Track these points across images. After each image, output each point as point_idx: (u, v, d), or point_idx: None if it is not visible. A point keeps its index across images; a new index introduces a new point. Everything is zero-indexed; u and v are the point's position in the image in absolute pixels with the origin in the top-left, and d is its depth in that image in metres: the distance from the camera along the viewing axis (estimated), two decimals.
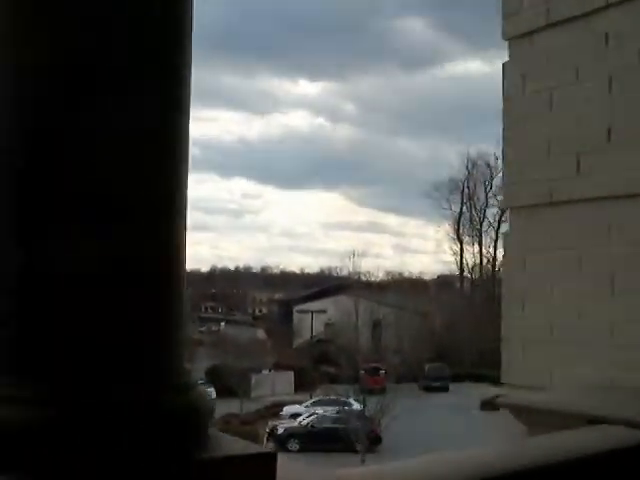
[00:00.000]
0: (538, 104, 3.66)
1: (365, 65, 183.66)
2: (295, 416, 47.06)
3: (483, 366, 77.91)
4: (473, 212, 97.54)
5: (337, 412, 42.78)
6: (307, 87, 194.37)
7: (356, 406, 44.66)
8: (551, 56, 3.61)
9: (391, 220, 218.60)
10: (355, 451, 38.18)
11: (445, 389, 67.41)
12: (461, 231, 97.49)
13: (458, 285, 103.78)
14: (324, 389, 58.71)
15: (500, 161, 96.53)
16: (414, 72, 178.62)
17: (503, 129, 3.90)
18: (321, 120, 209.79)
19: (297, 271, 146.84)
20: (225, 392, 56.80)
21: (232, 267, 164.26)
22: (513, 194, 3.74)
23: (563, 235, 3.46)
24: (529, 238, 3.62)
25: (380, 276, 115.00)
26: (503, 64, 3.81)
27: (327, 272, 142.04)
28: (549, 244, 3.51)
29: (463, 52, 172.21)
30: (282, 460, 2.29)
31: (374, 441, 38.42)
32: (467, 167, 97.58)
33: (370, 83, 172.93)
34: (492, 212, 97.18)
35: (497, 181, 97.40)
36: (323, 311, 73.02)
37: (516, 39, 3.71)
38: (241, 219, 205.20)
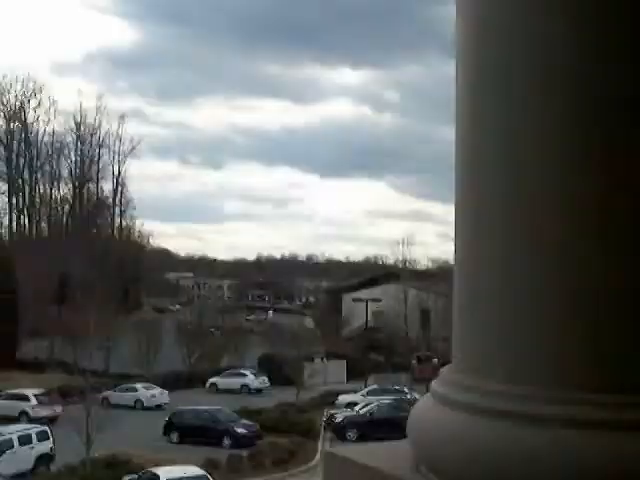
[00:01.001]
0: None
1: (408, 53, 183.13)
2: (350, 405, 47.31)
3: None
4: None
5: (395, 401, 42.78)
6: (350, 75, 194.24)
7: (411, 395, 44.73)
8: None
9: (435, 208, 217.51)
10: None
11: None
12: None
13: None
14: (376, 378, 58.85)
15: None
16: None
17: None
18: (365, 108, 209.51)
19: (342, 259, 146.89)
20: (279, 380, 57.26)
21: (278, 256, 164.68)
22: None
23: None
24: None
25: (426, 264, 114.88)
26: None
27: (373, 260, 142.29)
28: None
29: None
30: None
31: None
32: None
33: (413, 71, 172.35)
34: None
35: None
36: (378, 300, 72.84)
37: None
38: (285, 208, 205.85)
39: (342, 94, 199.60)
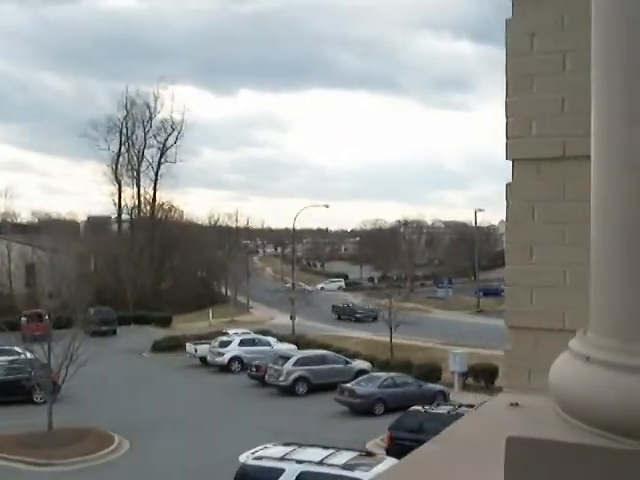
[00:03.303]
0: (549, 63, 3.88)
1: None
2: None
3: (145, 308, 78.77)
4: (132, 152, 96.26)
5: (10, 362, 40.95)
6: None
7: (24, 355, 43.07)
8: (562, 18, 3.82)
9: (35, 159, 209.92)
10: (34, 402, 37.12)
11: (113, 332, 67.06)
12: (119, 171, 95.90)
13: (115, 227, 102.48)
14: None
15: (159, 101, 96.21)
16: (60, 2, 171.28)
17: (506, 83, 3.99)
18: None
19: None
20: None
21: None
22: (520, 147, 3.94)
23: (574, 188, 3.68)
24: (538, 189, 3.87)
25: (27, 218, 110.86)
26: (507, 20, 4.00)
27: None
28: (559, 196, 3.78)
29: None
30: None
31: (53, 390, 37.52)
32: (126, 106, 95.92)
33: (9, 11, 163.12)
34: (151, 153, 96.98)
35: (157, 122, 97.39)
36: None
37: None
38: None
39: None
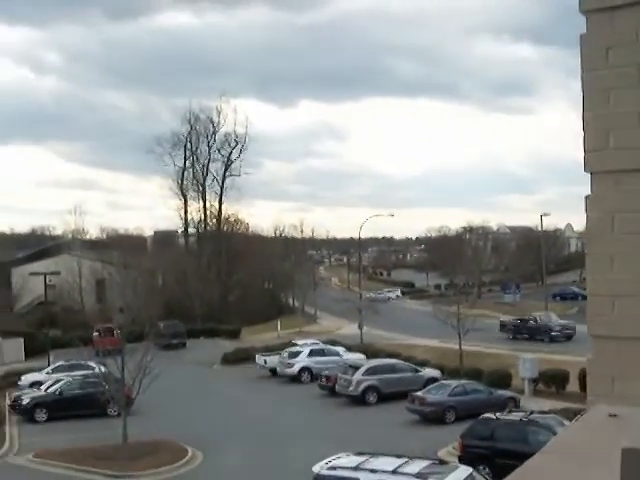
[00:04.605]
0: (625, 77, 3.94)
1: (69, 12, 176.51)
2: (36, 384, 45.45)
3: (213, 320, 79.56)
4: (196, 166, 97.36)
5: (83, 376, 41.75)
6: (6, 33, 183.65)
7: (98, 369, 43.77)
8: (637, 32, 3.92)
9: (102, 176, 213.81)
10: (108, 415, 37.77)
11: (183, 345, 67.85)
12: (184, 186, 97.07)
13: (182, 240, 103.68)
14: (57, 354, 57.07)
15: (222, 115, 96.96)
16: (121, 22, 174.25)
17: (583, 97, 4.06)
18: (25, 70, 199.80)
19: (7, 231, 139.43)
20: None
21: None
22: (598, 159, 4.02)
23: None
24: (617, 200, 3.94)
25: (96, 234, 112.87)
26: (581, 35, 4.08)
27: (40, 231, 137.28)
28: (639, 207, 3.88)
29: (170, 2, 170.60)
30: None
31: (126, 403, 38.12)
32: (189, 121, 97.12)
33: (74, 31, 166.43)
34: (215, 166, 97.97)
35: (220, 136, 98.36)
36: (57, 272, 70.42)
37: (595, 12, 3.99)
38: None
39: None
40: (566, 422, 24.87)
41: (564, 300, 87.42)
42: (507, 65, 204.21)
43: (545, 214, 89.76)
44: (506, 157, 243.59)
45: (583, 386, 38.40)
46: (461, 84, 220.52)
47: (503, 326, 66.00)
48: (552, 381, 40.55)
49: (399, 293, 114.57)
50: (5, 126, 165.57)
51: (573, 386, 38.47)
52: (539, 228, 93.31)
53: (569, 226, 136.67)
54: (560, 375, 39.97)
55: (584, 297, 4.35)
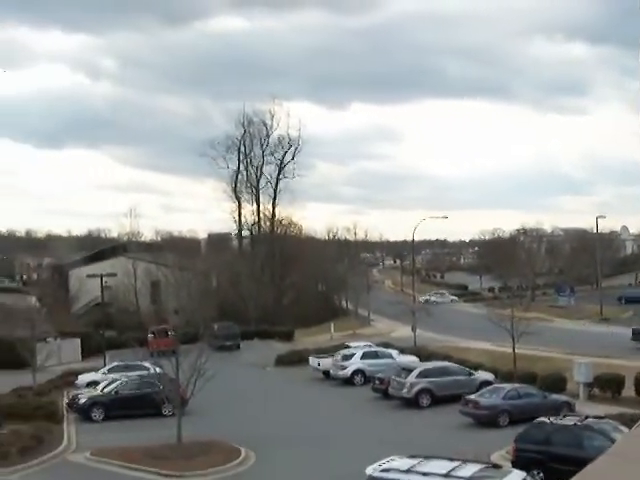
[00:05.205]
0: None
1: (124, 19, 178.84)
2: (92, 384, 46.23)
3: (267, 322, 79.96)
4: (250, 169, 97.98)
5: (139, 377, 42.28)
6: (63, 40, 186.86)
7: (153, 370, 44.28)
8: None
9: (156, 179, 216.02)
10: (163, 415, 38.24)
11: (237, 347, 68.35)
12: (238, 189, 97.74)
13: (236, 243, 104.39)
14: (112, 354, 57.86)
15: (275, 119, 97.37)
16: (174, 27, 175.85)
17: None
18: (80, 76, 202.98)
19: (64, 234, 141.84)
20: (8, 364, 54.62)
21: None
22: None
23: None
24: None
25: (150, 236, 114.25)
26: None
27: (96, 234, 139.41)
28: None
29: (223, 7, 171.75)
30: None
31: (181, 404, 38.49)
32: (243, 124, 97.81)
33: (129, 37, 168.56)
34: (269, 169, 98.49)
35: (274, 139, 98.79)
36: (114, 274, 71.38)
37: None
38: None
39: (55, 60, 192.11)
40: (622, 427, 24.59)
41: (631, 303, 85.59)
42: (560, 65, 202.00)
43: (601, 216, 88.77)
44: (560, 158, 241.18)
45: (639, 391, 37.89)
46: (514, 85, 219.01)
47: (636, 334, 59.14)
48: (607, 385, 39.99)
49: (454, 297, 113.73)
50: (60, 131, 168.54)
51: (629, 391, 37.97)
52: (594, 230, 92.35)
53: (624, 228, 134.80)
54: (616, 380, 39.43)
55: None
